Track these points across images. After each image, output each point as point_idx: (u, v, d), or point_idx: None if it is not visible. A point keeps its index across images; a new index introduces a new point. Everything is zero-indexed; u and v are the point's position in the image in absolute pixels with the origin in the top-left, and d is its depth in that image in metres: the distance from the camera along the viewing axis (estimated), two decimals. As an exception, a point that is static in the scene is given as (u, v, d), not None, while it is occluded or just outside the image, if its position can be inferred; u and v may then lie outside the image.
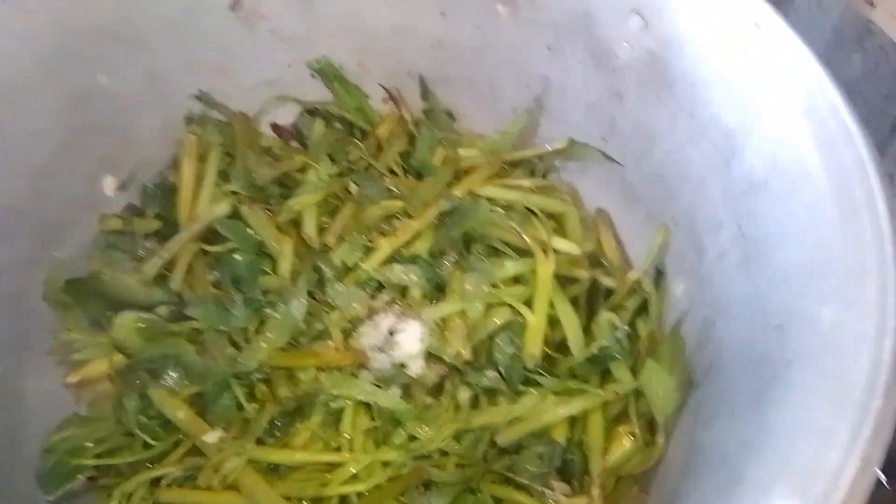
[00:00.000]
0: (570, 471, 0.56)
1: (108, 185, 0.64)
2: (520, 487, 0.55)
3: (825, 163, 0.44)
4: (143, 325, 0.59)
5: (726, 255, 0.54)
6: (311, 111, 0.77)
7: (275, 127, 0.77)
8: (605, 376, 0.61)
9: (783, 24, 0.49)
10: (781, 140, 0.48)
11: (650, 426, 0.58)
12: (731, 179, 0.53)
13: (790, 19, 0.79)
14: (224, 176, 0.69)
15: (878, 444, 0.32)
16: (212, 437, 0.55)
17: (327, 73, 0.74)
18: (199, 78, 0.68)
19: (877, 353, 0.35)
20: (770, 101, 0.49)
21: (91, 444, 0.55)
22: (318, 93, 0.76)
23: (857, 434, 0.33)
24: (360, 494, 0.54)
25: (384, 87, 0.77)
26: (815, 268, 0.42)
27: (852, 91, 0.74)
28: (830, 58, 0.76)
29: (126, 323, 0.59)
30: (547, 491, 0.55)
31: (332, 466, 0.55)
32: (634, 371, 0.60)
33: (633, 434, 0.57)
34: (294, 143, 0.78)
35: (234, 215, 0.66)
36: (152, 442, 0.57)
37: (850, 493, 0.31)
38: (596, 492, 0.54)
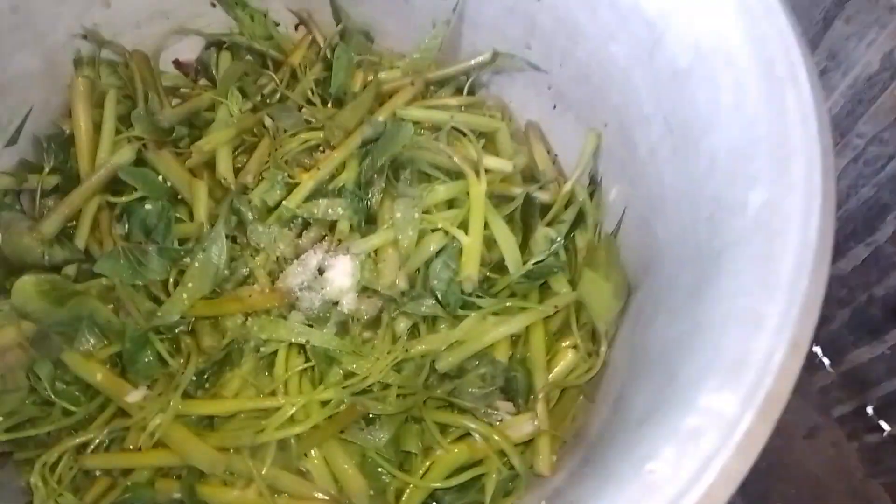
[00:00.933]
0: (514, 389, 0.55)
1: (-8, 139, 0.59)
2: (464, 412, 0.54)
3: (747, 38, 0.41)
4: (46, 288, 0.55)
5: (656, 150, 0.51)
6: (217, 44, 0.72)
7: (177, 63, 0.72)
8: (545, 291, 0.60)
9: None
10: (703, 22, 0.45)
11: (593, 336, 0.57)
12: (656, 71, 0.50)
13: None
14: (125, 121, 0.64)
15: (807, 325, 0.31)
16: (135, 396, 0.53)
17: (229, 0, 0.68)
18: (77, 9, 0.62)
19: (804, 233, 0.33)
20: (689, -19, 0.46)
21: (2, 418, 0.52)
22: (221, 23, 0.71)
23: (785, 317, 0.31)
24: (298, 437, 0.52)
25: (293, 12, 0.73)
26: (741, 151, 0.40)
27: None
28: None
29: (25, 287, 0.55)
30: (491, 411, 0.53)
31: (267, 412, 0.53)
32: (574, 283, 0.59)
33: (575, 346, 0.57)
34: (201, 80, 0.72)
35: (140, 162, 0.63)
36: (72, 408, 0.54)
37: (779, 378, 0.29)
38: (540, 406, 0.53)
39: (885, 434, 0.88)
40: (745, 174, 0.39)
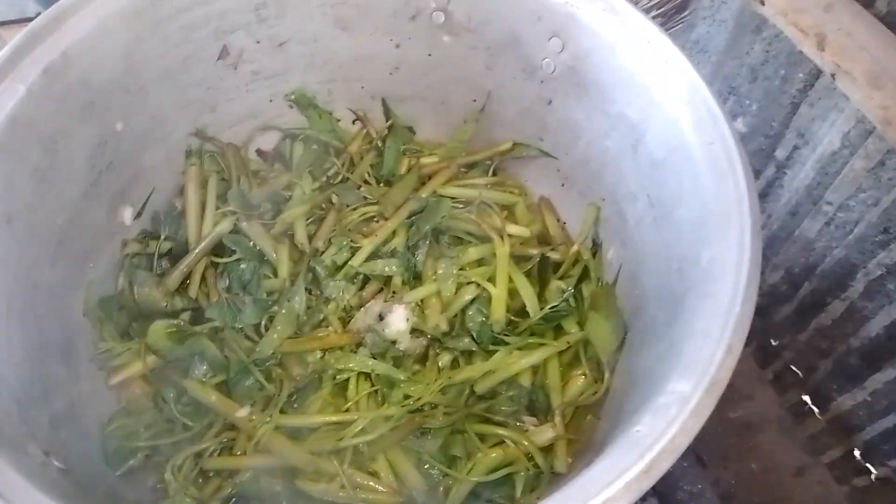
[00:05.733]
0: (536, 407, 0.70)
1: (127, 214, 0.75)
2: (498, 424, 0.68)
3: (700, 141, 0.58)
4: (171, 330, 0.70)
5: (642, 220, 0.68)
6: (291, 136, 0.88)
7: (259, 152, 0.89)
8: (559, 331, 0.74)
9: (667, 40, 0.63)
10: (670, 128, 0.62)
11: (598, 366, 0.71)
12: (639, 160, 0.67)
13: (697, 13, 0.93)
14: (222, 199, 0.81)
15: (739, 335, 0.46)
16: (242, 412, 0.67)
17: (302, 103, 0.86)
18: (194, 116, 0.79)
19: (737, 277, 0.49)
20: (660, 97, 0.63)
21: (142, 430, 0.66)
22: (295, 120, 0.88)
23: (723, 331, 0.46)
24: (368, 444, 0.66)
25: (352, 111, 0.89)
26: (698, 221, 0.56)
27: (756, 73, 0.88)
28: (734, 46, 0.90)
29: (158, 329, 0.70)
30: (519, 424, 0.68)
31: (343, 425, 0.67)
32: (581, 325, 0.74)
33: (584, 374, 0.71)
34: (277, 165, 0.89)
35: (236, 231, 0.78)
36: (190, 424, 0.68)
37: (719, 370, 0.44)
38: (558, 419, 0.67)
39: (872, 477, 0.92)
40: (700, 238, 0.55)
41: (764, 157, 0.91)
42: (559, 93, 0.75)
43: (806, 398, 0.99)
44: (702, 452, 1.11)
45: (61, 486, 0.45)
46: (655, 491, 1.07)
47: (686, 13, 1.03)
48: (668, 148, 0.62)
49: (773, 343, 1.03)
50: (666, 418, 0.43)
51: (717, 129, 0.57)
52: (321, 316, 0.74)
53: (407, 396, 0.69)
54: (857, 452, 0.94)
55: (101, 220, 0.72)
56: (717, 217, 0.54)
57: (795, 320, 0.97)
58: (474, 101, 0.84)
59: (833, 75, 0.70)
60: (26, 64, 0.59)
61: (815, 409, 0.98)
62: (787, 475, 0.98)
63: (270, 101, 0.84)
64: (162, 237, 0.78)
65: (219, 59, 0.76)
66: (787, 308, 0.98)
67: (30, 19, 0.81)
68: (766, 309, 1.01)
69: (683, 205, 0.60)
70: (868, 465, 0.93)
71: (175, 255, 0.78)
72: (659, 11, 0.81)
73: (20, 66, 0.59)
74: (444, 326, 0.73)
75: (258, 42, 0.77)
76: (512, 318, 0.74)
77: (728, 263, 0.50)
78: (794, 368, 1.01)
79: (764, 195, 0.94)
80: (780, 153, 0.89)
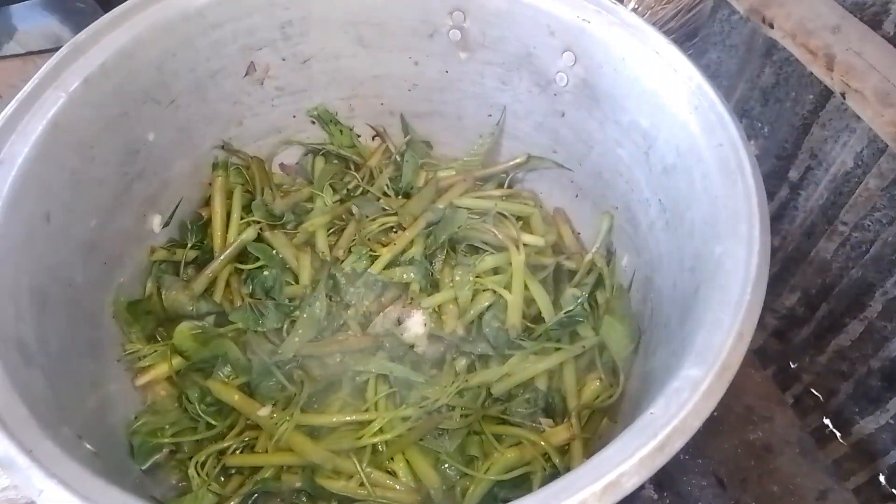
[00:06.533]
0: (553, 410, 0.70)
1: (155, 222, 0.78)
2: (514, 425, 0.69)
3: (710, 144, 0.60)
4: (197, 332, 0.73)
5: (654, 224, 0.69)
6: (313, 151, 0.92)
7: (282, 166, 0.92)
8: (574, 336, 0.76)
9: (674, 48, 0.66)
10: (680, 133, 0.64)
11: (613, 370, 0.72)
12: (651, 167, 0.69)
13: (708, 38, 0.95)
14: (247, 209, 0.84)
15: (749, 323, 0.47)
16: (264, 411, 0.69)
17: (324, 119, 0.89)
18: (221, 130, 0.83)
19: (747, 269, 0.50)
20: (669, 104, 0.65)
21: (167, 427, 0.68)
22: (317, 135, 0.91)
23: (734, 320, 0.48)
24: (386, 443, 0.67)
25: (371, 126, 0.93)
26: (709, 219, 0.58)
27: (767, 96, 0.90)
28: (745, 69, 0.93)
29: (184, 331, 0.72)
30: (536, 425, 0.69)
31: (362, 424, 0.69)
32: (597, 330, 0.75)
33: (599, 378, 0.72)
34: (298, 179, 0.92)
35: (259, 239, 0.81)
36: (213, 423, 0.70)
37: (729, 356, 0.46)
38: (574, 421, 0.68)
39: None
40: (712, 235, 0.56)
41: (777, 178, 0.92)
42: (572, 105, 0.77)
43: (827, 422, 0.98)
44: (721, 474, 1.10)
45: (94, 465, 0.46)
46: (675, 511, 1.06)
47: (696, 39, 1.06)
48: (678, 152, 0.64)
49: (792, 366, 1.03)
50: (678, 401, 0.44)
51: (726, 131, 0.59)
52: (341, 321, 0.76)
53: (424, 398, 0.70)
54: (882, 478, 0.92)
55: (131, 226, 0.75)
56: (727, 214, 0.56)
57: (814, 342, 0.96)
58: (489, 115, 0.87)
59: (843, 94, 0.70)
60: (68, 74, 0.63)
61: (838, 433, 0.97)
62: (808, 499, 0.95)
63: (294, 116, 0.88)
64: (189, 245, 0.81)
65: (246, 74, 0.80)
66: (806, 330, 0.97)
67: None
68: (784, 332, 1.01)
69: (694, 205, 0.61)
70: (894, 490, 0.91)
71: (200, 263, 0.81)
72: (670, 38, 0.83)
73: (63, 76, 0.63)
74: (460, 331, 0.75)
75: (283, 59, 0.81)
76: (528, 324, 0.76)
77: (738, 257, 0.52)
78: (814, 391, 1.00)
79: (778, 217, 0.94)
80: (794, 174, 0.90)
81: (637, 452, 0.41)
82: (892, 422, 0.87)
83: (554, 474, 0.66)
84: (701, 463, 1.01)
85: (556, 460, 0.66)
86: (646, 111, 0.68)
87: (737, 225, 0.54)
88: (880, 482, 0.92)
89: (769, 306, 0.98)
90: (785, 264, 0.96)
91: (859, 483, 0.95)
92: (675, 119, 0.64)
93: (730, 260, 0.52)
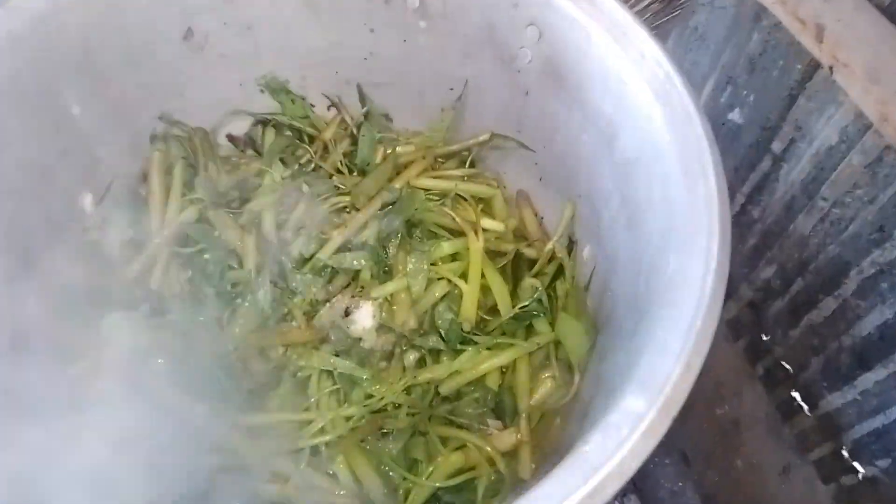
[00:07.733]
0: (503, 411, 0.68)
1: (87, 201, 0.73)
2: (461, 427, 0.66)
3: (673, 139, 0.55)
4: (129, 322, 0.69)
5: (616, 220, 0.65)
6: (262, 121, 0.86)
7: (230, 137, 0.86)
8: (530, 331, 0.72)
9: (644, 31, 0.60)
10: (643, 125, 0.59)
11: (569, 369, 0.69)
12: (614, 157, 0.64)
13: (696, 1, 0.90)
14: (188, 186, 0.78)
15: (699, 353, 0.44)
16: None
17: (274, 88, 0.83)
18: (160, 102, 0.77)
19: (701, 288, 0.46)
20: (635, 93, 0.60)
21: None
22: (267, 105, 0.85)
23: (683, 346, 0.44)
24: (327, 444, 0.64)
25: (326, 96, 0.87)
26: (667, 227, 0.54)
27: (754, 64, 0.85)
28: (733, 34, 0.88)
29: (114, 321, 0.68)
30: (483, 427, 0.66)
31: (302, 424, 0.66)
32: (553, 326, 0.71)
33: (553, 377, 0.69)
34: (248, 151, 0.87)
35: (201, 220, 0.76)
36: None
37: (675, 389, 0.42)
38: (523, 423, 0.65)
39: (860, 476, 0.89)
40: (668, 246, 0.52)
41: (761, 149, 0.89)
42: (536, 84, 0.72)
43: (795, 395, 0.96)
44: (687, 450, 1.09)
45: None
46: (636, 488, 1.05)
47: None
48: (640, 146, 0.60)
49: (765, 338, 1.02)
50: (616, 438, 0.40)
51: (692, 128, 0.55)
52: (285, 310, 0.72)
53: (369, 396, 0.67)
54: (844, 451, 0.91)
55: (59, 206, 0.70)
56: (684, 222, 0.51)
57: (787, 316, 0.95)
58: (451, 89, 0.81)
59: (831, 68, 0.67)
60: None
61: (805, 407, 0.95)
62: (772, 474, 0.96)
63: (241, 85, 0.82)
64: (124, 225, 0.75)
65: (185, 39, 0.73)
66: (780, 303, 0.96)
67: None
68: (759, 304, 0.99)
69: (653, 207, 0.57)
70: (855, 463, 0.90)
71: (138, 245, 0.76)
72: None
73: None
74: (412, 324, 0.71)
75: (225, 24, 0.75)
76: (483, 316, 0.73)
77: (693, 273, 0.48)
78: (784, 365, 1.00)
79: (759, 188, 0.92)
80: (777, 146, 0.87)
81: (566, 501, 0.38)
82: (859, 398, 0.85)
83: (499, 480, 0.64)
84: (665, 440, 1.01)
85: (502, 466, 0.63)
86: (610, 96, 0.63)
87: (694, 238, 0.50)
88: (843, 455, 0.91)
89: (746, 277, 0.97)
90: (763, 237, 0.94)
91: (821, 456, 0.94)
92: (640, 110, 0.59)
93: (683, 276, 0.48)
